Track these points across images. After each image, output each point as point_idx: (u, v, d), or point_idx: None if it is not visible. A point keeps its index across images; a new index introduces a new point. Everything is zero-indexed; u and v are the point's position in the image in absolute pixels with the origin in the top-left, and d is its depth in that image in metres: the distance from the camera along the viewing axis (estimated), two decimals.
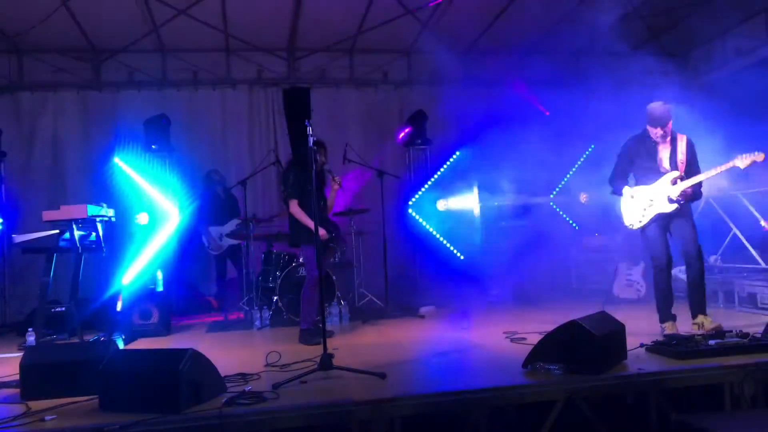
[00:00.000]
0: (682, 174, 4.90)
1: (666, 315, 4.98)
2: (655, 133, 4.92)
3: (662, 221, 4.99)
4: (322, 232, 5.40)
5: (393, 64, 9.47)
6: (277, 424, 3.27)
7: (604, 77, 6.90)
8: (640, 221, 5.04)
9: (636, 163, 5.11)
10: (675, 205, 4.88)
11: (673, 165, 4.94)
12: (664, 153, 4.98)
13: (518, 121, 9.59)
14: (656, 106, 4.90)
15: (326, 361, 3.96)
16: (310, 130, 4.24)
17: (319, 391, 3.69)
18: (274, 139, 9.09)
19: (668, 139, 4.95)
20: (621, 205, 5.22)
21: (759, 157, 4.59)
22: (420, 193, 8.64)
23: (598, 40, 7.11)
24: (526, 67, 8.10)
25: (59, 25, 7.54)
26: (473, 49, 9.43)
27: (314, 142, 4.91)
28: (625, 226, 5.20)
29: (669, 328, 4.88)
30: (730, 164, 4.68)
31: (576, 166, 8.73)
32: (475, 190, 8.46)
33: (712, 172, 4.77)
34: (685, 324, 4.93)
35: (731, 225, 6.77)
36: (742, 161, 4.64)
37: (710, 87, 8.19)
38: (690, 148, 4.98)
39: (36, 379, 3.63)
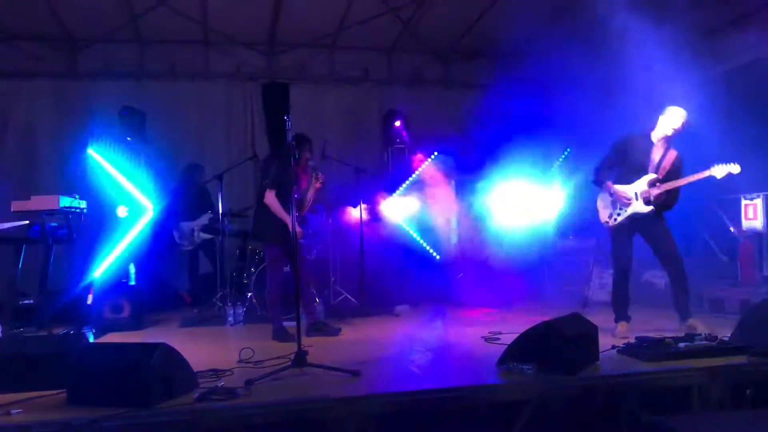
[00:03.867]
0: (660, 177, 5.00)
1: (621, 315, 5.13)
2: (672, 130, 4.94)
3: (634, 224, 5.07)
4: (299, 230, 5.43)
5: (374, 62, 9.45)
6: (250, 421, 3.24)
7: (587, 81, 6.95)
8: (615, 219, 5.11)
9: (628, 159, 5.14)
10: (651, 207, 4.97)
11: (656, 169, 5.04)
12: (655, 156, 5.07)
13: (497, 122, 9.66)
14: (677, 110, 4.95)
15: (300, 358, 3.94)
16: (289, 125, 4.21)
17: (292, 388, 3.67)
18: (252, 134, 9.02)
19: (664, 146, 5.04)
20: (598, 200, 5.30)
21: (735, 168, 4.75)
22: (398, 191, 8.63)
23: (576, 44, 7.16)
24: (508, 69, 8.13)
25: (35, 12, 7.39)
26: (454, 49, 9.46)
27: (301, 139, 4.90)
28: (599, 228, 5.27)
29: (622, 327, 5.01)
30: (707, 173, 4.81)
31: (554, 167, 8.78)
32: (451, 189, 8.47)
33: (690, 179, 4.89)
34: (644, 325, 5.03)
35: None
36: (718, 171, 4.77)
37: None
38: (678, 161, 5.06)
39: (2, 372, 3.55)
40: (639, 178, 5.05)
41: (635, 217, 5.04)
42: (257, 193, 5.51)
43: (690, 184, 4.93)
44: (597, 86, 6.40)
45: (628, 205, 5.03)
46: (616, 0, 5.99)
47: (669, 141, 5.04)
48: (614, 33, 6.18)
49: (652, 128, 5.08)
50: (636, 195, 5.02)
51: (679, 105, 5.01)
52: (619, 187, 5.10)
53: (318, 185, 5.54)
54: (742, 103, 6.27)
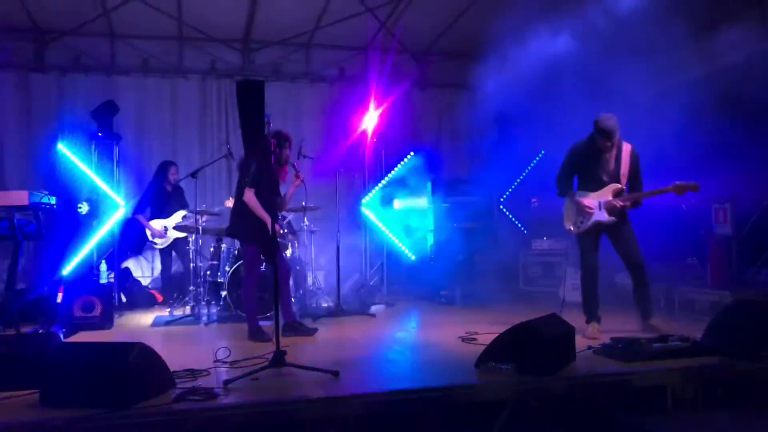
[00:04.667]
0: (623, 187, 5.09)
1: (592, 315, 5.20)
2: (604, 144, 5.02)
3: (599, 228, 5.15)
4: (276, 227, 5.37)
5: (350, 61, 9.44)
6: (229, 421, 3.20)
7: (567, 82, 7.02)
8: (579, 227, 5.20)
9: (580, 169, 5.23)
10: (613, 219, 5.07)
11: (616, 176, 5.10)
12: (608, 163, 5.12)
13: (473, 123, 9.71)
14: (605, 118, 4.98)
15: (279, 358, 3.90)
16: (270, 124, 4.18)
17: (271, 388, 3.63)
18: (226, 131, 8.94)
19: (614, 150, 5.09)
20: (564, 207, 5.37)
21: (694, 188, 4.84)
22: (374, 191, 8.63)
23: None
24: (485, 70, 8.15)
25: (1, 2, 7.20)
26: (431, 50, 9.49)
27: (281, 137, 4.84)
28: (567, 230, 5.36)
29: (593, 328, 5.08)
30: (669, 189, 4.91)
31: (526, 170, 8.87)
32: (428, 190, 8.49)
33: (651, 193, 5.02)
34: (617, 326, 5.12)
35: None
36: (679, 189, 4.87)
37: None
38: (633, 158, 5.13)
39: None
40: (600, 187, 5.12)
41: (599, 225, 5.14)
42: (237, 191, 5.44)
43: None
44: (575, 89, 6.46)
45: (591, 215, 5.11)
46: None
47: (617, 144, 5.07)
48: (596, 33, 6.25)
49: (592, 136, 5.11)
50: (600, 205, 5.09)
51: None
52: (583, 198, 5.16)
53: (298, 183, 5.48)
54: (714, 107, 6.40)
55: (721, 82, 6.04)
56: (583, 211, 5.14)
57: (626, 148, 5.12)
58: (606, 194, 5.09)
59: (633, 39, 6.18)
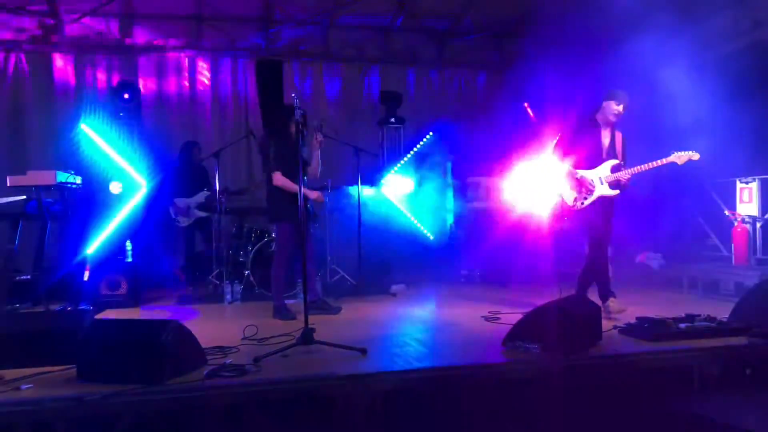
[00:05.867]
0: (622, 162, 5.14)
1: (608, 292, 5.16)
2: (616, 113, 5.02)
3: (603, 202, 5.15)
4: (315, 194, 5.52)
5: (370, 42, 9.36)
6: (262, 397, 3.25)
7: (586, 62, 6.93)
8: (582, 203, 5.17)
9: (579, 144, 5.19)
10: (617, 191, 5.08)
11: (612, 153, 5.15)
12: (605, 140, 5.18)
13: (493, 103, 9.64)
14: (620, 91, 5.05)
15: (307, 336, 3.94)
16: (297, 102, 4.19)
17: (300, 365, 3.69)
18: (245, 111, 8.94)
19: (610, 128, 5.15)
20: (563, 184, 5.29)
21: (694, 156, 4.88)
22: (393, 171, 8.62)
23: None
24: (505, 50, 8.10)
25: None
26: (451, 30, 9.40)
27: (295, 110, 4.76)
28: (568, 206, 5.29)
29: (613, 304, 5.05)
30: (669, 159, 4.92)
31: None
32: (447, 171, 8.48)
33: (653, 165, 4.99)
34: (641, 307, 5.07)
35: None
36: (679, 158, 4.91)
37: None
38: (625, 143, 5.22)
39: (11, 348, 3.50)
40: (595, 163, 5.13)
41: (603, 199, 5.14)
42: (265, 176, 5.45)
43: (667, 167, 5.03)
44: (594, 70, 6.39)
45: (593, 191, 5.11)
46: None
47: (615, 124, 5.14)
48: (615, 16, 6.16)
49: (596, 112, 5.15)
50: (600, 180, 5.11)
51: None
52: (582, 173, 5.16)
53: (318, 144, 5.43)
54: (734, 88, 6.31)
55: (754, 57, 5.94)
56: (585, 186, 5.14)
57: (618, 132, 5.21)
58: (605, 170, 5.11)
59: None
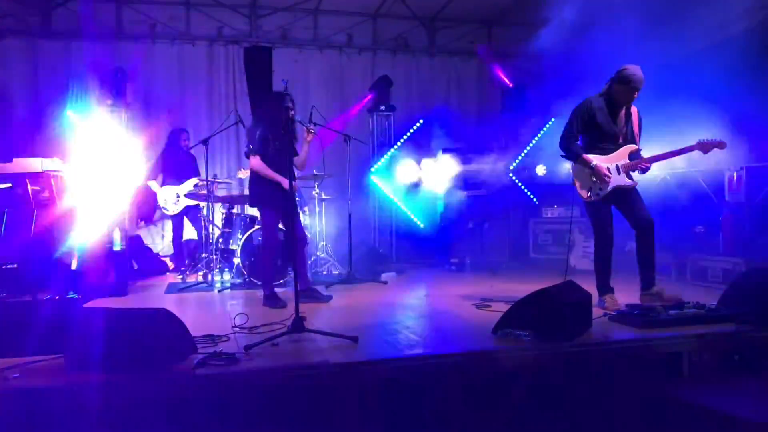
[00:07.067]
0: (640, 147, 4.85)
1: (607, 287, 4.96)
2: (629, 95, 4.67)
3: (615, 194, 4.86)
4: (285, 182, 5.14)
5: (358, 28, 9.32)
6: (252, 385, 3.24)
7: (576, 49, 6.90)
8: (598, 194, 4.84)
9: (593, 126, 4.80)
10: (635, 182, 4.83)
11: (631, 135, 4.83)
12: (620, 122, 4.82)
13: (481, 91, 9.62)
14: (634, 67, 4.64)
15: (298, 324, 3.93)
16: (285, 88, 4.15)
17: (291, 353, 3.67)
18: (234, 98, 8.88)
19: (624, 109, 4.80)
20: (574, 174, 5.01)
21: (721, 145, 4.59)
22: (383, 160, 8.60)
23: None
24: (492, 37, 8.07)
25: None
26: (439, 17, 9.36)
27: (284, 97, 4.71)
28: (580, 197, 5.01)
29: (610, 300, 4.84)
30: (693, 147, 4.63)
31: (537, 138, 8.80)
32: (437, 159, 8.46)
33: (675, 153, 4.68)
34: (630, 294, 5.00)
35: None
36: (704, 147, 4.60)
37: None
38: (640, 120, 4.89)
39: None
40: (610, 145, 4.82)
41: (619, 189, 4.83)
42: (246, 157, 5.40)
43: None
44: (585, 58, 6.36)
45: (609, 181, 4.77)
46: None
47: (630, 102, 4.77)
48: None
49: (609, 88, 4.77)
50: (618, 168, 4.80)
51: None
52: (600, 162, 4.79)
53: (309, 138, 5.40)
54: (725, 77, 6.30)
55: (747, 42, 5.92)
56: (600, 177, 4.78)
57: (634, 109, 4.85)
58: (622, 156, 4.80)
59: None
